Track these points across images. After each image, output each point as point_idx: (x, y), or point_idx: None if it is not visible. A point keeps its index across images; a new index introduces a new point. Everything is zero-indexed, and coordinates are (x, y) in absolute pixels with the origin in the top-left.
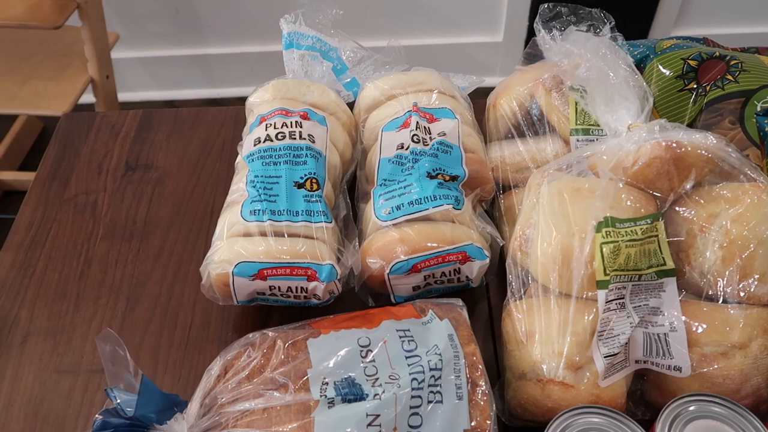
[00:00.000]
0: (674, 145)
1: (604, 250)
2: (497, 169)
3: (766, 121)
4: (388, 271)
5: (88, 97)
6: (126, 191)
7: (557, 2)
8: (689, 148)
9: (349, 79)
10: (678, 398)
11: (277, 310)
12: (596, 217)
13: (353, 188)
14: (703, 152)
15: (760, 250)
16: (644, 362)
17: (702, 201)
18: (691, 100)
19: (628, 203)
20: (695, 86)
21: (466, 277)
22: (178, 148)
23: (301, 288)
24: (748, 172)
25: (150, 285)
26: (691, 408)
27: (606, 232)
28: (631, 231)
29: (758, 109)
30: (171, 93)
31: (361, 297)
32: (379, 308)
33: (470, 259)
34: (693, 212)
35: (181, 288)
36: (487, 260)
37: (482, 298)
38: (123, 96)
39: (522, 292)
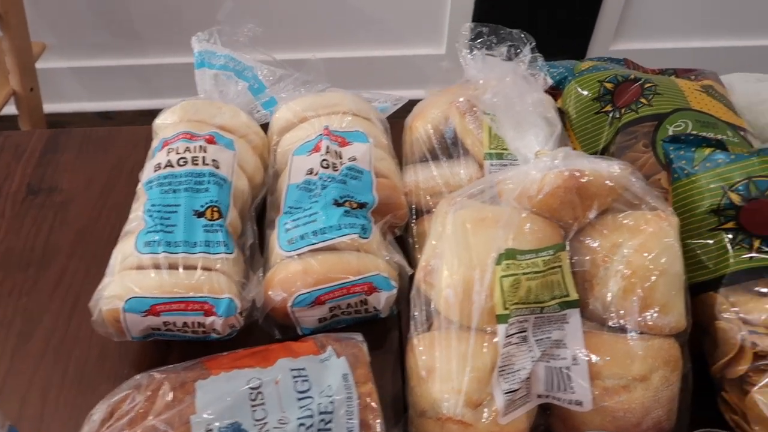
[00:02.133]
0: (577, 174)
1: (503, 283)
2: (411, 193)
3: (671, 148)
4: (290, 303)
5: (10, 109)
6: (26, 217)
7: (485, 23)
8: (591, 178)
9: (267, 99)
10: None
11: (178, 343)
12: (498, 249)
13: (264, 214)
14: (606, 182)
15: (661, 280)
16: (546, 397)
17: (605, 231)
18: (608, 122)
19: (531, 234)
20: (611, 109)
21: (374, 307)
22: (86, 170)
23: (198, 323)
24: (651, 201)
25: (45, 318)
26: None
27: (506, 264)
28: (533, 263)
29: (670, 133)
30: (107, 104)
31: (266, 330)
32: (278, 344)
33: (376, 289)
34: (597, 242)
35: (79, 321)
36: (395, 291)
37: (394, 327)
38: (54, 107)
39: (426, 325)
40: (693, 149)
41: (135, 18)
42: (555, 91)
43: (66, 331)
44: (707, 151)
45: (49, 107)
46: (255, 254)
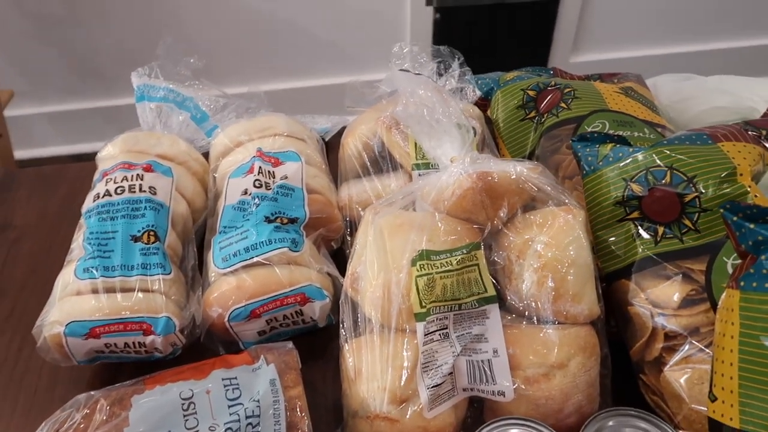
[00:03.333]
0: (484, 176)
1: (419, 283)
2: (346, 207)
3: (578, 146)
4: (227, 318)
5: None
6: None
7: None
8: (497, 178)
9: (210, 127)
10: (484, 426)
11: (128, 366)
12: (412, 251)
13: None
14: (510, 179)
15: (572, 270)
16: (471, 390)
17: (519, 228)
18: (533, 128)
19: (446, 235)
20: (535, 115)
21: (311, 318)
22: (38, 206)
23: (139, 343)
24: (559, 197)
25: None
26: None
27: (420, 265)
28: (446, 262)
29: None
30: (79, 147)
31: (210, 346)
32: (216, 358)
33: (310, 300)
34: (511, 240)
35: (29, 352)
36: (328, 300)
37: (335, 336)
38: (28, 153)
39: (354, 330)
40: (597, 146)
41: (103, 61)
42: (484, 101)
43: (16, 361)
44: (609, 146)
45: (23, 153)
46: (196, 275)
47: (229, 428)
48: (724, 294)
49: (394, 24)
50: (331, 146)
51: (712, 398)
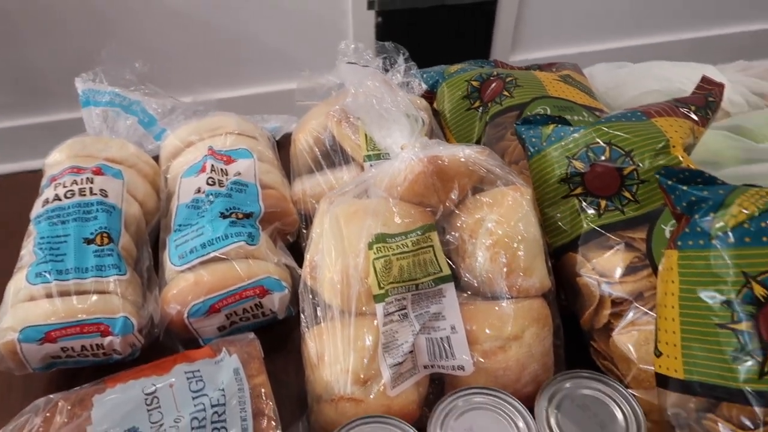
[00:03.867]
0: (434, 160)
1: (376, 265)
2: (300, 201)
3: (522, 128)
4: (186, 315)
5: None
6: None
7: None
8: (447, 161)
9: (159, 131)
10: (446, 396)
11: (86, 370)
12: (368, 236)
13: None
14: (459, 161)
15: (522, 246)
16: (431, 366)
17: (469, 209)
18: (478, 117)
19: (400, 218)
20: (479, 105)
21: (270, 310)
22: None
23: (97, 345)
24: (507, 177)
25: None
26: (459, 403)
27: (377, 248)
28: (402, 244)
29: None
30: (18, 165)
31: (170, 345)
32: (177, 354)
33: (269, 292)
34: (463, 220)
35: None
36: (287, 291)
37: (296, 326)
38: None
39: (314, 318)
40: (539, 127)
41: (44, 75)
42: (430, 94)
43: None
44: (551, 127)
45: None
46: (152, 275)
47: (195, 418)
48: (663, 256)
49: (337, 28)
50: (282, 145)
51: (658, 354)
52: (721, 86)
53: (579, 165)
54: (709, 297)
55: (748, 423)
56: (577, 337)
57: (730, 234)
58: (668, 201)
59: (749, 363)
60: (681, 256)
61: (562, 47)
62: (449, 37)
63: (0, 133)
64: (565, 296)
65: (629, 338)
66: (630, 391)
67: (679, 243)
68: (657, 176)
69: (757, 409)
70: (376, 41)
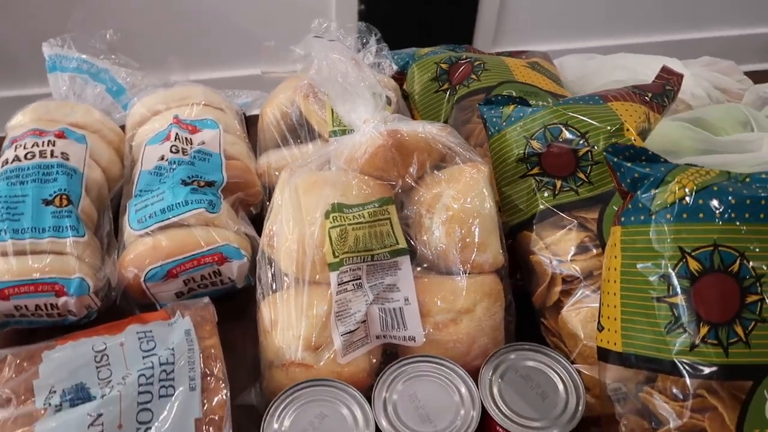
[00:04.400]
0: (394, 133)
1: (332, 234)
2: (264, 174)
3: (484, 108)
4: (143, 279)
5: None
6: None
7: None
8: (407, 136)
9: (128, 101)
10: (394, 362)
11: (40, 330)
12: (326, 205)
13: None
14: (419, 137)
15: (477, 221)
16: (384, 337)
17: (428, 184)
18: (446, 99)
19: (358, 190)
20: (448, 87)
21: (229, 278)
22: None
23: (51, 305)
24: (466, 154)
25: None
26: (407, 369)
27: (333, 217)
28: (359, 215)
29: None
30: None
31: (127, 309)
32: (132, 317)
33: (227, 259)
34: (421, 195)
35: None
36: (245, 260)
37: (255, 297)
38: None
39: (270, 286)
40: (501, 108)
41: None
42: (400, 75)
43: None
44: (511, 107)
45: None
46: (111, 240)
47: (142, 374)
48: (610, 233)
49: (319, 15)
50: (252, 122)
51: (600, 328)
52: (679, 76)
53: (536, 145)
54: (648, 271)
55: (679, 394)
56: (530, 315)
57: (669, 210)
58: (614, 178)
59: (682, 335)
60: (624, 232)
61: (543, 43)
62: (431, 28)
63: None
64: (520, 275)
65: (577, 315)
66: (573, 365)
67: (623, 219)
68: (604, 153)
69: (688, 381)
70: (355, 21)
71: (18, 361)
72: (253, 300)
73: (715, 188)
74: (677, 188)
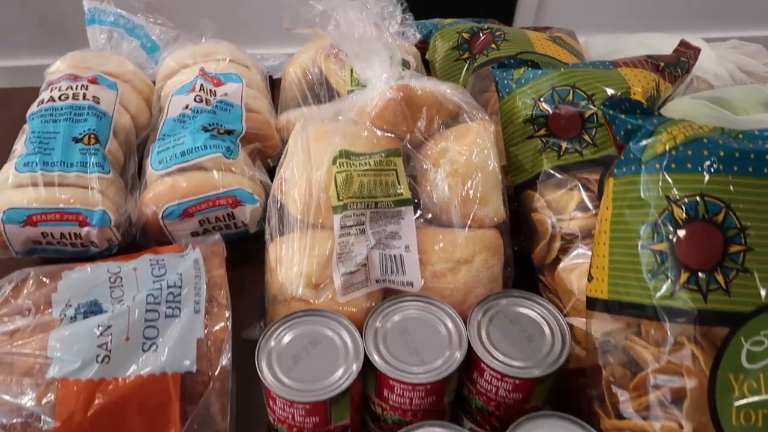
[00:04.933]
0: (405, 88)
1: (337, 178)
2: (284, 130)
3: (496, 71)
4: (161, 216)
5: None
6: None
7: None
8: (418, 91)
9: (161, 58)
10: (389, 298)
11: (64, 260)
12: (334, 152)
13: None
14: (429, 93)
15: (480, 176)
16: (383, 281)
17: (436, 140)
18: (465, 68)
19: (367, 140)
20: (468, 56)
21: (242, 222)
22: None
23: (75, 234)
24: (474, 112)
25: None
26: (400, 305)
27: (340, 162)
28: (365, 163)
29: None
30: None
31: (145, 246)
32: (147, 249)
33: (241, 203)
34: (428, 149)
35: None
36: (258, 204)
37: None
38: None
39: (279, 229)
40: (512, 70)
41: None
42: (423, 45)
43: None
44: (522, 70)
45: None
46: (135, 182)
47: (151, 294)
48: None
49: None
50: (276, 85)
51: (590, 279)
52: (696, 50)
53: (544, 107)
54: (635, 220)
55: (659, 339)
56: (530, 276)
57: (658, 160)
58: (610, 131)
59: (664, 281)
60: (615, 183)
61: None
62: (470, 12)
63: (23, 71)
64: (524, 237)
65: (572, 271)
66: (566, 318)
67: (615, 171)
68: (601, 107)
69: (667, 325)
70: None
71: (40, 278)
72: (263, 245)
73: (705, 140)
74: (667, 139)
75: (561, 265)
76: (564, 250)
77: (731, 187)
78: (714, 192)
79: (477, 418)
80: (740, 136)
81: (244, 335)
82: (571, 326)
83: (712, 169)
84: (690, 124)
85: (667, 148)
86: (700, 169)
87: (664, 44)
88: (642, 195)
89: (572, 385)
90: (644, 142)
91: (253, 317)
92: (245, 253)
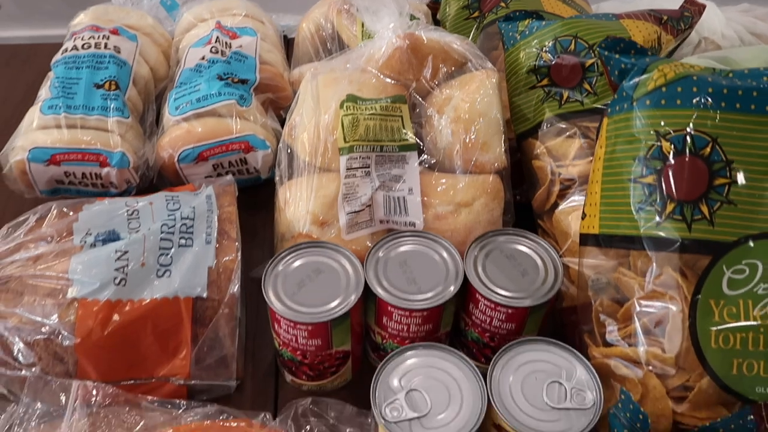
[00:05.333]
0: (410, 35)
1: (344, 121)
2: (296, 83)
3: (502, 24)
4: (177, 159)
5: None
6: None
7: None
8: (425, 40)
9: (180, 16)
10: (392, 233)
11: None
12: (341, 96)
13: None
14: (436, 42)
15: (482, 122)
16: (387, 222)
17: (441, 88)
18: (475, 27)
19: (374, 87)
20: (478, 15)
21: (254, 168)
22: (11, 79)
23: (95, 174)
24: (478, 62)
25: None
26: (401, 239)
27: (347, 106)
28: (371, 107)
29: None
30: None
31: (162, 189)
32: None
33: (253, 148)
34: (434, 97)
35: None
36: (269, 150)
37: None
38: None
39: (288, 172)
40: (518, 22)
41: None
42: (435, 5)
43: None
44: (527, 21)
45: None
46: (153, 129)
47: (165, 224)
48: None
49: None
50: (292, 44)
51: (583, 216)
52: (701, 6)
53: (547, 57)
54: (626, 155)
55: (645, 269)
56: (530, 224)
57: (649, 96)
58: (606, 72)
59: (651, 212)
60: (609, 122)
61: None
62: None
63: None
64: (525, 186)
65: (569, 214)
66: (561, 259)
67: (609, 110)
68: (598, 48)
69: (653, 254)
70: None
71: (62, 209)
72: (274, 192)
73: (695, 78)
74: (658, 76)
75: (558, 208)
76: (562, 195)
77: (718, 123)
78: (702, 127)
79: (473, 350)
80: (731, 75)
81: (253, 274)
82: (567, 267)
83: (701, 105)
84: (681, 63)
85: (657, 84)
86: (688, 104)
87: (667, 4)
88: (633, 131)
89: (566, 323)
90: (636, 80)
91: (261, 258)
92: (256, 199)
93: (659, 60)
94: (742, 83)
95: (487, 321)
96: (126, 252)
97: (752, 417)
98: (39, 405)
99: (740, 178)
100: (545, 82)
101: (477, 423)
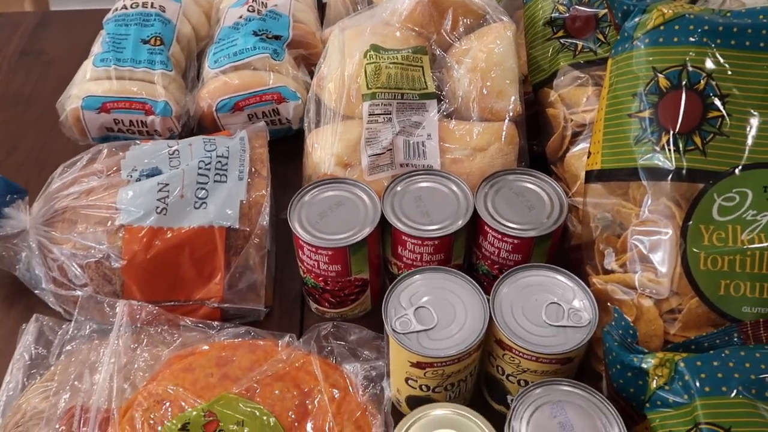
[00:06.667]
0: None
1: (367, 69)
2: (327, 40)
3: None
4: (215, 108)
5: None
6: (18, 71)
7: None
8: None
9: None
10: (407, 172)
11: None
12: (365, 47)
13: None
14: None
15: (498, 70)
16: (406, 165)
17: (460, 39)
18: None
19: (397, 39)
20: None
21: (286, 119)
22: (69, 40)
23: (141, 122)
24: (496, 15)
25: (27, 137)
26: (414, 179)
27: (369, 55)
28: (393, 56)
29: None
30: None
31: None
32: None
33: (285, 99)
34: (454, 50)
35: (55, 135)
36: (300, 101)
37: None
38: None
39: (316, 120)
40: None
41: None
42: None
43: (45, 142)
44: None
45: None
46: (194, 84)
47: (202, 161)
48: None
49: None
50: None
51: (588, 155)
52: None
53: (562, 8)
54: (626, 92)
55: (640, 199)
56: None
57: (648, 35)
58: (610, 15)
59: (647, 144)
60: (612, 63)
61: None
62: None
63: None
64: (543, 137)
65: (580, 158)
66: (570, 199)
67: (613, 51)
68: None
69: (648, 183)
70: None
71: (112, 149)
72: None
73: (692, 16)
74: (657, 15)
75: (570, 152)
76: (573, 141)
77: (713, 58)
78: (697, 62)
79: (484, 283)
80: (728, 14)
81: (283, 215)
82: (576, 208)
83: (697, 42)
84: (681, 3)
85: (656, 23)
86: (685, 41)
87: None
88: (632, 69)
89: (572, 260)
90: (636, 20)
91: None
92: (288, 149)
93: (660, 0)
94: (738, 21)
95: (496, 252)
96: (167, 185)
97: (738, 335)
98: (90, 324)
99: (733, 111)
100: (561, 33)
101: (479, 336)
